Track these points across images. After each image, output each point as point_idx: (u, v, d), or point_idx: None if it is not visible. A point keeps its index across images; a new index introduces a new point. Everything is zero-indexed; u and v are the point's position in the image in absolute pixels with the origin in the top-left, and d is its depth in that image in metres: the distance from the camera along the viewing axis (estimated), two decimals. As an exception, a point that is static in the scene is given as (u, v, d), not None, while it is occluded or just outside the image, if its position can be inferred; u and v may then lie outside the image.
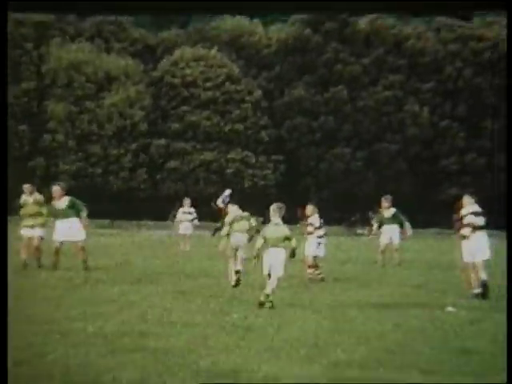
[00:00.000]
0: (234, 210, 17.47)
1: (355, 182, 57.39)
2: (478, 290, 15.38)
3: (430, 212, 54.21)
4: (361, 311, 12.82)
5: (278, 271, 13.31)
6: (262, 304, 12.98)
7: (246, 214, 17.58)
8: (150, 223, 51.70)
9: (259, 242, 13.50)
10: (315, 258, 18.40)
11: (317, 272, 18.20)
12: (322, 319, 11.75)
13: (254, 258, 13.64)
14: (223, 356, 8.75)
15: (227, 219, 17.32)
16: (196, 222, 30.59)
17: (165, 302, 13.29)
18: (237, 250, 17.16)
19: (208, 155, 58.91)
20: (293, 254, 13.43)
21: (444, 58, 59.39)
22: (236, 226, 17.23)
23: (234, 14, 64.05)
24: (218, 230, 18.77)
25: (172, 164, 59.06)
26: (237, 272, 16.34)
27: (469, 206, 16.04)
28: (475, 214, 15.88)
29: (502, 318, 12.25)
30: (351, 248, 33.68)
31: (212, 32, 64.43)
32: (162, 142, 59.40)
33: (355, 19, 61.71)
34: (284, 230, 13.41)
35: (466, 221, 15.81)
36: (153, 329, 10.45)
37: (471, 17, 63.34)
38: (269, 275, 13.31)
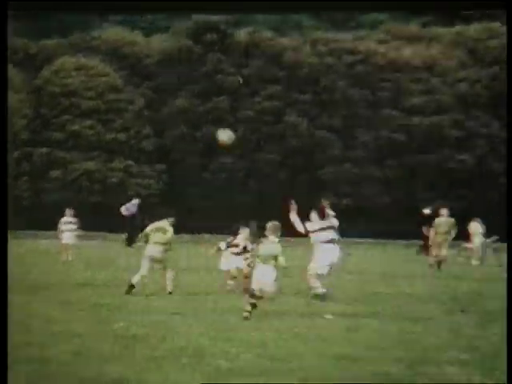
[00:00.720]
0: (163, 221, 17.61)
1: (237, 191, 57.70)
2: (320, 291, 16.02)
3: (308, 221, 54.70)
4: (244, 319, 12.98)
5: (270, 288, 13.59)
6: (246, 318, 13.05)
7: (163, 224, 17.60)
8: (33, 232, 50.72)
9: (251, 258, 14.81)
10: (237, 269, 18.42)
11: (235, 283, 18.19)
12: (205, 327, 11.84)
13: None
14: (108, 365, 8.74)
15: (146, 229, 17.50)
16: (78, 231, 30.37)
17: (49, 311, 13.13)
18: (152, 261, 17.21)
19: (90, 165, 58.23)
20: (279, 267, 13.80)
21: (319, 70, 60.32)
22: (152, 237, 17.31)
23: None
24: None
25: (54, 173, 58.15)
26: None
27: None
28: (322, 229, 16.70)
29: (375, 323, 12.61)
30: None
31: (93, 42, 63.90)
32: (44, 150, 58.47)
33: (234, 31, 62.23)
34: (278, 248, 13.75)
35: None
36: (36, 338, 10.34)
37: (469, 16, 64.30)
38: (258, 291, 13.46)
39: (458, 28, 64.57)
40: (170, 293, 16.90)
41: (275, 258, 13.64)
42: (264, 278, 13.48)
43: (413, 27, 66.32)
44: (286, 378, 8.38)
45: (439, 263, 26.46)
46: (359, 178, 57.74)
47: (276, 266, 13.66)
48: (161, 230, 17.45)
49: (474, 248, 32.71)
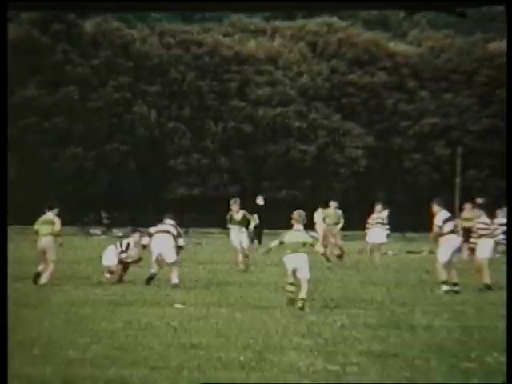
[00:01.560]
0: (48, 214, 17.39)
1: (87, 181, 56.93)
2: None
3: (161, 211, 54.60)
4: (94, 310, 12.92)
5: (305, 275, 13.58)
6: (300, 309, 13.06)
7: (50, 216, 17.39)
8: None
9: (275, 243, 14.10)
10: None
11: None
12: (56, 319, 11.72)
13: (267, 252, 14.87)
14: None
15: (35, 224, 17.37)
16: None
17: None
18: (44, 253, 16.96)
19: None
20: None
21: (168, 61, 60.20)
22: (42, 229, 17.03)
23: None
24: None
25: None
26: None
27: None
28: None
29: (223, 312, 12.80)
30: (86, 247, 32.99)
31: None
32: None
33: (82, 21, 61.25)
34: (304, 235, 13.90)
35: None
36: None
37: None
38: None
39: (299, 22, 65.83)
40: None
41: (303, 245, 13.73)
42: (297, 266, 13.58)
43: (256, 20, 67.17)
44: (134, 368, 8.42)
45: (340, 256, 26.43)
46: (208, 168, 58.04)
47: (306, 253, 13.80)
48: (48, 222, 17.24)
49: (319, 236, 33.26)
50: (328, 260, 24.05)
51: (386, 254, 29.16)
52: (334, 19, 65.21)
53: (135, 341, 10.02)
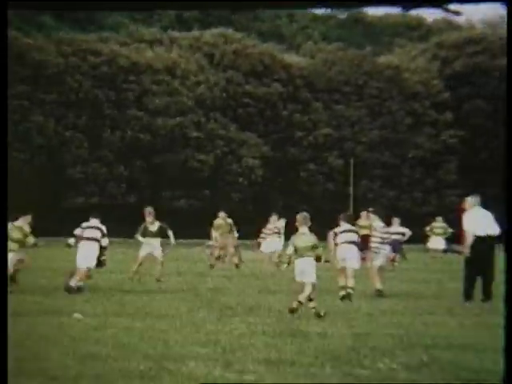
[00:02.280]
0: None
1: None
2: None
3: (58, 220, 53.88)
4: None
5: (312, 278, 13.47)
6: (292, 311, 13.17)
7: (20, 223, 17.70)
8: None
9: (290, 249, 13.73)
10: None
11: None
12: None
13: (287, 263, 14.17)
14: None
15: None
16: None
17: None
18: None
19: None
20: (319, 259, 13.75)
21: (65, 70, 59.39)
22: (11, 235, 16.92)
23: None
24: None
25: None
26: None
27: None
28: None
29: (122, 321, 12.74)
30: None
31: None
32: None
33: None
34: (311, 238, 13.66)
35: None
36: None
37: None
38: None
39: (195, 33, 65.97)
40: None
41: (311, 248, 13.58)
42: (305, 270, 13.47)
43: (154, 30, 66.99)
44: (32, 378, 8.33)
45: (237, 265, 26.53)
46: (106, 177, 57.47)
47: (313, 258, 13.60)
48: (19, 229, 17.04)
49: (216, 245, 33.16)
50: (237, 267, 24.76)
51: (280, 262, 29.43)
52: (230, 31, 65.65)
53: (33, 351, 9.88)
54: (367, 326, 12.44)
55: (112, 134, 58.50)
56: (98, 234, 17.80)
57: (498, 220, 17.51)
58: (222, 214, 28.21)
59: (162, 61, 61.33)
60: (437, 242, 34.62)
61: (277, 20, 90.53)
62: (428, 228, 35.75)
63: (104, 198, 56.33)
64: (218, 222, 27.96)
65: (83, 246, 17.86)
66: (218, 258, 27.50)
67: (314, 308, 13.44)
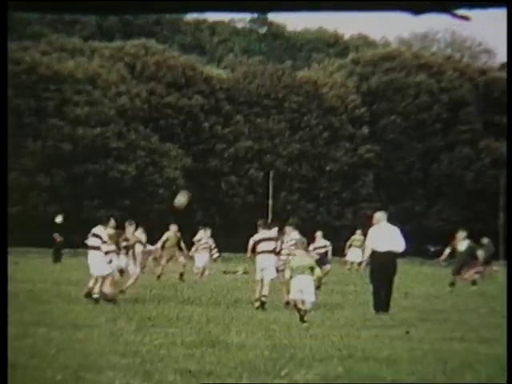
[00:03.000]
0: None
1: None
2: None
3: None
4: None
5: (310, 296, 14.58)
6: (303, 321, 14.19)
7: None
8: None
9: (287, 272, 15.08)
10: None
11: None
12: None
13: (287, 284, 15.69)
14: None
15: None
16: None
17: None
18: None
19: None
20: (318, 282, 15.61)
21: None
22: None
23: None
24: None
25: None
26: None
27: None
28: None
29: (41, 331, 12.55)
30: None
31: None
32: None
33: None
34: (309, 260, 15.02)
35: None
36: None
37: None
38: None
39: (117, 43, 65.56)
40: None
41: (309, 268, 14.56)
42: (303, 287, 14.48)
43: (75, 40, 66.35)
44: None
45: (181, 275, 26.74)
46: (27, 186, 56.55)
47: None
48: None
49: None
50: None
51: (202, 274, 29.50)
52: (152, 42, 65.45)
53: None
54: (285, 337, 12.53)
55: (33, 143, 57.62)
56: (98, 242, 17.69)
57: (412, 233, 17.90)
58: (173, 227, 28.73)
59: (83, 70, 60.71)
60: (355, 255, 35.09)
61: (198, 32, 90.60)
62: (349, 241, 36.48)
63: (25, 207, 55.37)
64: (168, 234, 28.52)
65: (89, 254, 18.09)
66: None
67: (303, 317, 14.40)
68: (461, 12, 4.34)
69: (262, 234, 17.71)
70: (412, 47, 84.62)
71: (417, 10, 4.31)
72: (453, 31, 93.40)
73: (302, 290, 14.54)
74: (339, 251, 36.30)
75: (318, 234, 25.80)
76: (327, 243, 26.87)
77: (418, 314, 16.91)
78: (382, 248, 17.25)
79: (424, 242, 52.60)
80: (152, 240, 32.80)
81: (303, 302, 14.53)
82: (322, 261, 22.45)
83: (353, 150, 62.35)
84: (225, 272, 32.10)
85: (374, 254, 17.41)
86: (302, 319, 14.38)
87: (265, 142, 61.63)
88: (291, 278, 14.89)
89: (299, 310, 14.53)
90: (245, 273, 32.01)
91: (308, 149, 61.14)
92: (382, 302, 17.11)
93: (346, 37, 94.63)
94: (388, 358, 10.62)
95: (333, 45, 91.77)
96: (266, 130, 62.09)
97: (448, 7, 4.28)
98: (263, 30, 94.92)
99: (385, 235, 17.38)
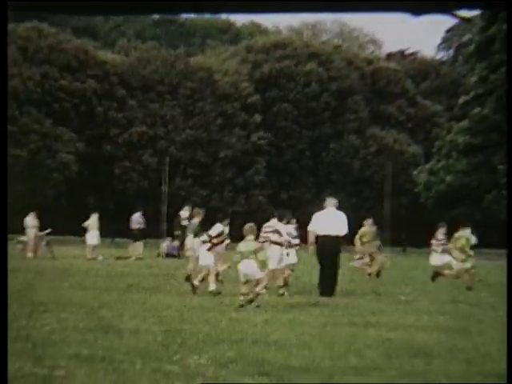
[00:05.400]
0: None
1: None
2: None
3: None
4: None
5: (257, 275, 15.26)
6: (242, 306, 14.74)
7: None
8: None
9: (236, 256, 15.69)
10: None
11: None
12: None
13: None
14: None
15: None
16: None
17: None
18: None
19: None
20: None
21: None
22: None
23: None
24: None
25: None
26: None
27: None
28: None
29: None
30: None
31: None
32: None
33: None
34: (253, 244, 15.49)
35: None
36: None
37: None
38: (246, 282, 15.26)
39: (9, 25, 63.87)
40: None
41: (253, 252, 15.23)
42: (248, 271, 15.14)
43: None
44: None
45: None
46: None
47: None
48: None
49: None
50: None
51: (95, 259, 29.29)
52: (44, 25, 64.04)
53: None
54: (177, 323, 12.56)
55: None
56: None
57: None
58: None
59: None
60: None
61: (92, 17, 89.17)
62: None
63: None
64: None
65: None
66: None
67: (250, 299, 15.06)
68: (461, 12, 4.39)
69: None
70: (302, 36, 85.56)
71: (417, 11, 4.33)
72: (341, 21, 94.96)
73: (247, 273, 15.12)
74: (236, 237, 36.45)
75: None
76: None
77: (308, 298, 17.20)
78: (322, 232, 17.84)
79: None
80: (46, 225, 32.37)
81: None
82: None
83: (246, 136, 62.65)
84: (118, 258, 31.87)
85: (317, 237, 18.10)
86: (250, 302, 14.97)
87: (159, 128, 61.26)
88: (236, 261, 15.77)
89: (246, 294, 15.11)
90: (138, 258, 31.94)
91: (202, 135, 61.12)
92: (327, 286, 17.55)
93: (239, 24, 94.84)
94: (278, 342, 10.79)
95: (225, 32, 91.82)
96: (160, 116, 61.71)
97: (448, 7, 4.31)
98: (157, 15, 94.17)
99: (328, 220, 17.96)
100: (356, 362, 9.57)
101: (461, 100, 58.53)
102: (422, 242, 51.11)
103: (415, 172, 58.94)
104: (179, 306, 14.89)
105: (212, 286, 17.66)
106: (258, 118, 63.20)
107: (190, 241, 21.51)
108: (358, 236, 25.10)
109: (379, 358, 9.85)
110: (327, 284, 17.75)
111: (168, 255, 34.42)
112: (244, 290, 15.33)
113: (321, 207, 18.98)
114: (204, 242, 18.14)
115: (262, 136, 62.82)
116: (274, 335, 11.41)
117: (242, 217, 56.94)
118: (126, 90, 62.29)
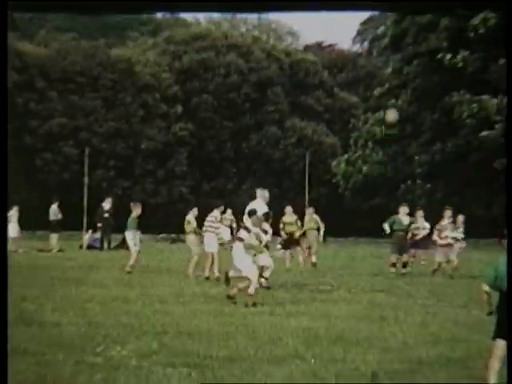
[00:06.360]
0: None
1: None
2: None
3: None
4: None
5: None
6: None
7: None
8: None
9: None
10: None
11: None
12: None
13: None
14: None
15: None
16: None
17: None
18: None
19: None
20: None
21: None
22: None
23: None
24: None
25: None
26: None
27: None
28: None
29: None
30: None
31: None
32: None
33: None
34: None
35: None
36: None
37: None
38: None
39: None
40: None
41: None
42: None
43: None
44: None
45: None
46: None
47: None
48: None
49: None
50: None
51: (16, 251, 28.87)
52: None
53: None
54: (101, 315, 12.49)
55: None
56: None
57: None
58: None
59: None
60: None
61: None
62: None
63: None
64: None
65: None
66: None
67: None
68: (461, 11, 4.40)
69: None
70: (221, 27, 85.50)
71: (418, 11, 4.31)
72: (259, 13, 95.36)
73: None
74: (151, 228, 36.39)
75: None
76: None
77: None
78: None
79: (240, 218, 53.40)
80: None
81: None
82: None
83: (167, 128, 62.32)
84: (40, 250, 31.42)
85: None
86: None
87: (80, 120, 60.45)
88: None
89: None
90: (60, 251, 31.53)
91: (123, 127, 60.55)
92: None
93: (159, 15, 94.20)
94: (200, 333, 10.83)
95: (146, 23, 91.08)
96: (81, 107, 60.88)
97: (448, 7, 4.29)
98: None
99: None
100: (278, 350, 9.68)
101: (376, 92, 59.39)
102: (341, 231, 51.92)
103: (334, 163, 59.59)
104: (102, 298, 14.79)
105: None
106: (178, 109, 62.95)
107: (131, 234, 21.63)
108: (281, 225, 25.14)
109: (300, 346, 9.99)
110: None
111: (90, 247, 34.07)
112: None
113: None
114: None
115: (183, 127, 62.60)
116: (197, 326, 11.45)
117: (165, 208, 56.82)
118: (46, 82, 61.28)
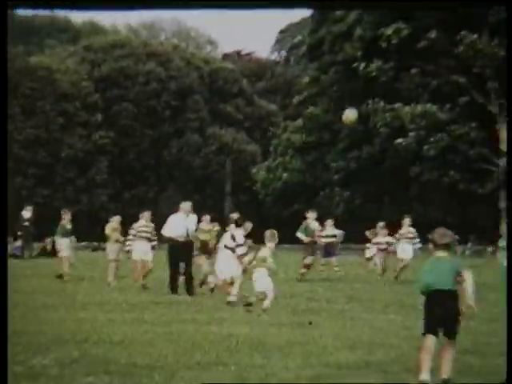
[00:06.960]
0: None
1: None
2: None
3: None
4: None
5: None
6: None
7: None
8: None
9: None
10: None
11: None
12: None
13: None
14: None
15: None
16: None
17: None
18: None
19: None
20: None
21: None
22: None
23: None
24: None
25: None
26: None
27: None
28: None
29: None
30: None
31: None
32: None
33: None
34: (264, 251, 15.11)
35: None
36: None
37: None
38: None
39: None
40: None
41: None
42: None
43: None
44: None
45: None
46: None
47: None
48: None
49: None
50: None
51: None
52: None
53: None
54: (22, 324, 12.28)
55: None
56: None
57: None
58: None
59: None
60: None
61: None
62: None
63: None
64: None
65: None
66: None
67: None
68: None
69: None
70: (140, 35, 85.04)
71: (419, 9, 4.30)
72: (178, 22, 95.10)
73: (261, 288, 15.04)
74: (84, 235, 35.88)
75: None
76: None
77: (153, 297, 17.14)
78: (171, 234, 18.10)
79: (160, 226, 53.16)
80: None
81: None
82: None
83: (87, 136, 61.65)
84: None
85: (171, 239, 18.22)
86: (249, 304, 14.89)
87: (-3, 127, 59.25)
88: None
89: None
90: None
91: (43, 134, 59.66)
92: (188, 285, 17.81)
93: (78, 23, 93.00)
94: (122, 341, 10.77)
95: (64, 31, 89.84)
96: (-1, 115, 59.70)
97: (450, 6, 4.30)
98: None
99: (177, 223, 18.18)
100: (200, 357, 9.69)
101: (295, 100, 59.95)
102: (260, 238, 52.21)
103: (254, 170, 59.87)
104: (24, 306, 14.56)
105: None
106: (99, 117, 62.34)
107: (61, 241, 21.51)
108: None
109: (222, 353, 10.02)
110: (189, 283, 17.99)
111: (11, 256, 33.41)
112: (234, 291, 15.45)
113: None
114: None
115: (103, 135, 62.03)
116: (118, 334, 11.37)
117: (86, 216, 56.03)
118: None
